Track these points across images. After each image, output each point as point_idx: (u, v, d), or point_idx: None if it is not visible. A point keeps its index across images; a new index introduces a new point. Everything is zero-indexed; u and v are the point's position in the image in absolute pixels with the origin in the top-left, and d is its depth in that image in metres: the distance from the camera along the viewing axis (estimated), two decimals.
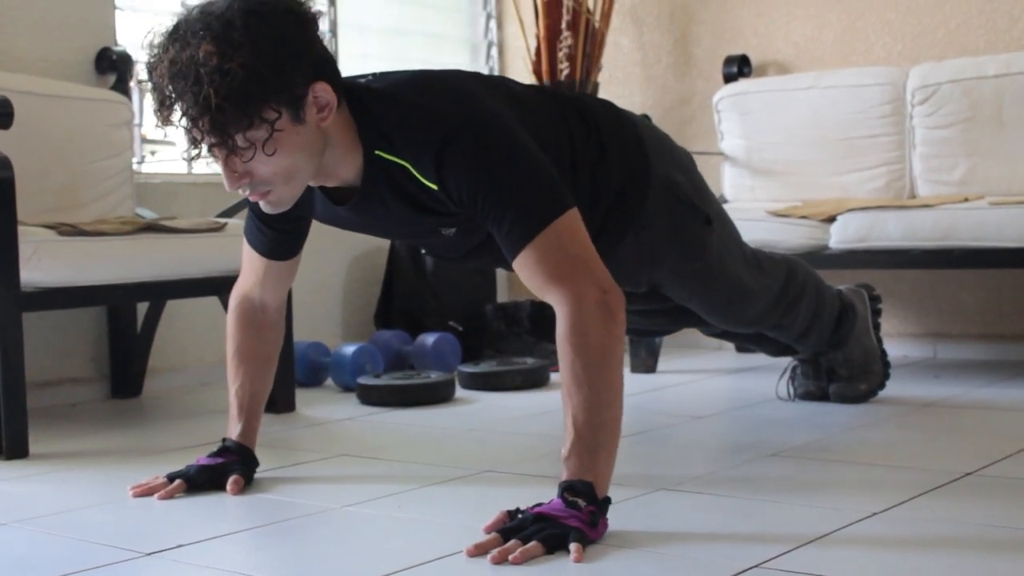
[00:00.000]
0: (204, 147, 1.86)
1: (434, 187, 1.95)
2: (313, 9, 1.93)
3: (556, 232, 1.89)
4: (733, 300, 2.61)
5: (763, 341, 2.93)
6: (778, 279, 2.67)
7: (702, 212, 2.39)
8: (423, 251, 2.51)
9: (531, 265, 1.90)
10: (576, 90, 4.39)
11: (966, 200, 3.52)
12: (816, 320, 2.83)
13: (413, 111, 1.95)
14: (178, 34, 1.83)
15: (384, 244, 4.43)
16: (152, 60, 1.86)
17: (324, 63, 1.91)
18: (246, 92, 1.80)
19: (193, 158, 1.89)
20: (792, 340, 2.89)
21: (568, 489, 1.82)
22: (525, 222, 1.89)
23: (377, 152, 1.97)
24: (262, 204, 2.00)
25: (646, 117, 4.11)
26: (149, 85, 1.87)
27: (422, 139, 1.93)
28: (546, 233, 1.89)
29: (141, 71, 1.91)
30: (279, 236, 2.26)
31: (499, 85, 2.13)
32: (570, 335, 1.87)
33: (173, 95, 1.82)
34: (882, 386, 3.07)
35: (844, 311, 2.94)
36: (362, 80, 2.05)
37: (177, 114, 1.84)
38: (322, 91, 1.89)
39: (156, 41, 1.87)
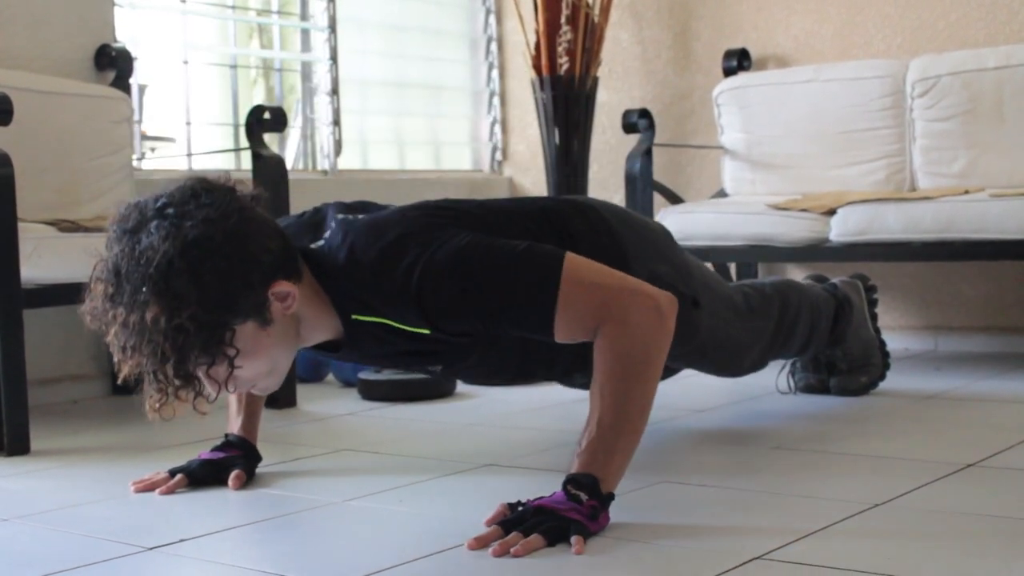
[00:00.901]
0: (171, 391, 1.81)
1: (425, 332, 1.93)
2: (247, 199, 1.85)
3: (569, 284, 1.86)
4: (730, 359, 2.62)
5: None
6: (772, 317, 2.66)
7: (688, 296, 2.32)
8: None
9: (570, 325, 1.87)
10: (576, 85, 4.40)
11: (966, 192, 3.52)
12: (814, 333, 2.84)
13: (378, 274, 1.90)
14: (121, 286, 1.76)
15: None
16: (103, 317, 1.80)
17: (276, 260, 1.85)
18: (201, 339, 1.76)
19: (162, 404, 1.82)
20: (792, 356, 2.91)
21: (571, 482, 1.82)
22: (538, 303, 1.86)
23: (354, 317, 1.95)
24: (252, 391, 1.99)
25: (646, 117, 4.12)
26: (106, 335, 1.81)
27: (399, 299, 1.89)
28: (562, 294, 1.85)
29: (95, 319, 1.81)
30: None
31: (448, 209, 2.04)
32: (614, 340, 1.85)
33: (132, 349, 1.77)
34: (882, 377, 3.07)
35: (840, 309, 2.93)
36: (314, 245, 1.98)
37: (140, 364, 1.78)
38: (280, 287, 1.85)
39: (101, 286, 1.80)
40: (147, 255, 1.74)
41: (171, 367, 1.76)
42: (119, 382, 1.84)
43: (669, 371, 2.62)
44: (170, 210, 1.78)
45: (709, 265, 4.18)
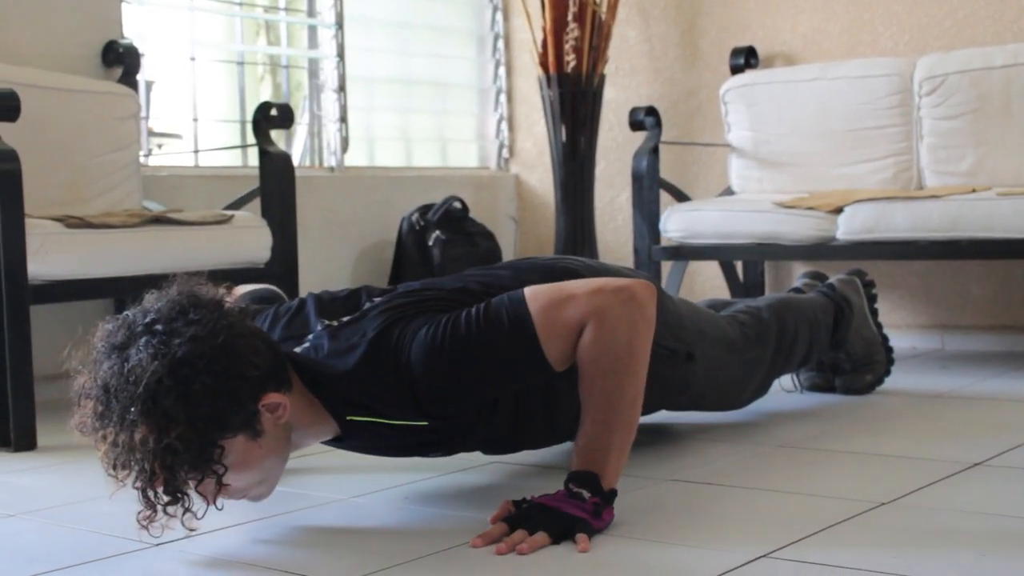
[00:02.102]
0: (159, 507, 1.77)
1: (423, 424, 1.93)
2: (236, 314, 1.84)
3: (541, 315, 1.84)
4: (727, 396, 2.62)
5: None
6: (769, 344, 2.65)
7: (681, 352, 2.32)
8: None
9: (560, 347, 1.86)
10: (583, 82, 4.39)
11: (974, 191, 3.51)
12: (813, 346, 2.84)
13: (364, 381, 1.88)
14: (110, 405, 1.74)
15: (392, 236, 4.44)
16: (92, 434, 1.78)
17: (265, 374, 1.82)
18: (190, 458, 1.74)
19: (151, 520, 1.77)
20: (793, 371, 2.92)
21: (573, 479, 1.82)
22: (521, 347, 1.85)
23: (350, 418, 1.94)
24: (245, 499, 1.98)
25: (653, 115, 4.11)
26: (97, 448, 1.79)
27: (395, 399, 1.88)
28: (539, 327, 1.84)
29: (85, 433, 1.79)
30: None
31: (409, 296, 2.02)
32: (597, 337, 1.85)
33: (121, 467, 1.75)
34: (887, 373, 3.06)
35: (839, 313, 2.93)
36: (299, 349, 1.96)
37: (130, 482, 1.76)
38: (271, 399, 1.82)
39: (89, 409, 1.78)
40: (136, 373, 1.72)
41: (159, 484, 1.75)
42: (110, 498, 1.80)
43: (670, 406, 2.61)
44: (158, 327, 1.76)
45: (713, 261, 4.18)
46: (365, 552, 1.79)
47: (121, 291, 3.12)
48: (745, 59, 4.33)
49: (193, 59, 4.11)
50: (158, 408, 1.70)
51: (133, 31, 3.82)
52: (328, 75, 4.47)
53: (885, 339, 3.08)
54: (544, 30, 4.47)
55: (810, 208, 3.62)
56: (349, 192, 4.42)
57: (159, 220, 3.06)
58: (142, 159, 3.73)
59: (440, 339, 1.84)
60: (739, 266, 4.27)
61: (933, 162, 3.88)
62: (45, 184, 3.21)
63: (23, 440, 2.64)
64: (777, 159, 4.15)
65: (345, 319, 1.97)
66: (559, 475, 1.88)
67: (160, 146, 4.40)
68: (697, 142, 4.52)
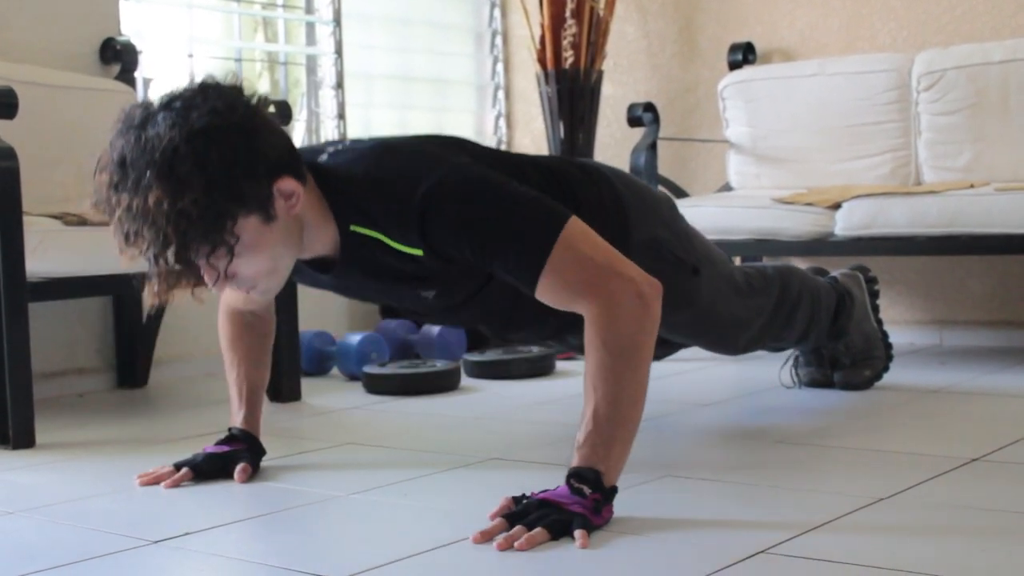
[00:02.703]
0: (171, 279, 1.81)
1: (419, 252, 1.93)
2: (256, 99, 1.88)
3: (565, 247, 1.86)
4: (726, 334, 2.61)
5: None
6: (771, 297, 2.65)
7: (688, 264, 2.34)
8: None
9: (554, 288, 1.88)
10: (581, 79, 4.39)
11: (972, 186, 3.51)
12: (813, 323, 2.83)
13: (384, 184, 1.92)
14: (126, 173, 1.78)
15: None
16: (107, 202, 1.81)
17: (281, 157, 1.87)
18: (204, 225, 1.77)
19: (165, 290, 1.82)
20: (791, 345, 2.90)
21: (575, 476, 1.82)
22: (531, 252, 1.87)
23: (352, 227, 1.96)
24: (253, 294, 1.99)
25: (651, 111, 4.11)
26: (110, 221, 1.82)
27: (400, 212, 1.90)
28: (555, 253, 1.86)
29: (100, 205, 1.84)
30: None
31: (462, 145, 2.09)
32: (601, 329, 1.85)
33: (134, 235, 1.79)
34: (886, 369, 3.07)
35: (841, 302, 2.93)
36: (323, 156, 2.02)
37: (142, 250, 1.80)
38: (285, 184, 1.86)
39: (106, 176, 1.81)
40: (152, 143, 1.76)
41: (172, 253, 1.77)
42: (118, 249, 1.82)
43: (664, 349, 2.62)
44: (177, 103, 1.81)
45: None
46: (364, 548, 1.79)
47: (120, 288, 3.13)
48: (743, 55, 4.33)
49: (191, 56, 4.11)
50: (174, 173, 1.75)
51: (131, 28, 3.81)
52: (326, 72, 4.47)
53: (885, 335, 3.08)
54: (542, 26, 4.47)
55: (808, 204, 3.62)
56: None
57: None
58: None
59: (479, 183, 1.88)
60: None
61: (931, 157, 3.88)
62: (43, 181, 3.21)
63: (22, 438, 2.64)
64: (775, 155, 4.15)
65: (376, 138, 2.04)
66: (560, 471, 1.88)
67: None
68: (695, 138, 4.52)
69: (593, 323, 1.86)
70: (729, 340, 2.64)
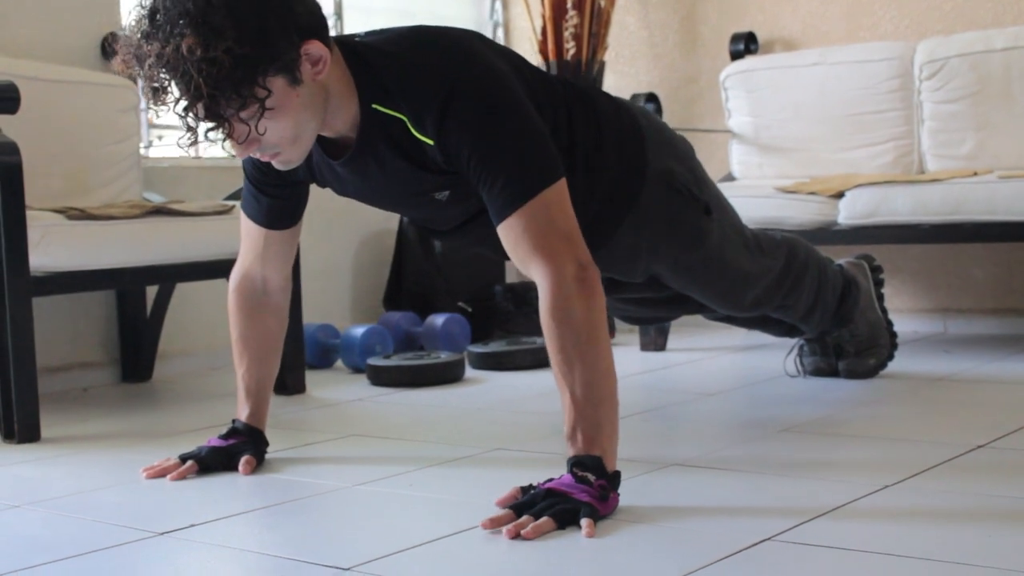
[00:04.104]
0: (201, 132, 1.83)
1: (430, 142, 1.94)
2: None
3: (545, 203, 1.89)
4: (734, 286, 2.59)
5: (767, 323, 2.92)
6: (779, 260, 2.65)
7: (701, 201, 2.36)
8: (414, 223, 2.47)
9: (517, 233, 1.89)
10: (582, 70, 4.39)
11: (975, 174, 3.50)
12: (819, 298, 2.82)
13: (415, 66, 1.94)
14: (157, 23, 1.78)
15: (393, 225, 4.43)
16: (137, 52, 1.81)
17: (311, 20, 1.88)
18: (236, 76, 1.77)
19: (192, 143, 1.84)
20: (797, 320, 2.88)
21: (577, 464, 1.82)
22: (516, 188, 1.89)
23: (374, 105, 1.96)
24: (274, 163, 1.99)
25: (653, 101, 4.11)
26: (139, 73, 1.82)
27: (425, 95, 1.91)
28: (535, 202, 1.88)
29: (128, 58, 1.82)
30: (277, 203, 2.23)
31: (504, 52, 2.10)
32: (554, 312, 1.86)
33: (163, 86, 1.80)
34: (891, 357, 3.06)
35: (847, 287, 2.93)
36: (360, 34, 2.04)
37: (170, 102, 1.80)
38: (313, 48, 1.86)
39: (136, 29, 1.82)
40: None
41: (203, 105, 1.78)
42: (147, 103, 1.83)
43: (670, 309, 2.63)
44: None
45: None
46: (369, 540, 1.79)
47: (123, 283, 3.13)
48: (745, 45, 4.32)
49: None
50: (207, 22, 1.75)
51: None
52: None
53: (890, 323, 3.08)
54: (543, 18, 4.46)
55: (811, 193, 3.61)
56: None
57: (160, 211, 3.06)
58: (142, 151, 3.73)
59: (505, 98, 1.91)
60: None
61: (934, 146, 3.87)
62: (46, 176, 3.21)
63: (27, 431, 2.64)
64: (778, 144, 4.15)
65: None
66: (564, 461, 1.88)
67: (160, 138, 4.40)
68: (698, 128, 4.51)
69: (545, 300, 1.87)
70: (736, 294, 2.61)
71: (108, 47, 3.63)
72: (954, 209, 3.36)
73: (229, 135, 1.84)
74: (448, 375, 3.31)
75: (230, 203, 3.26)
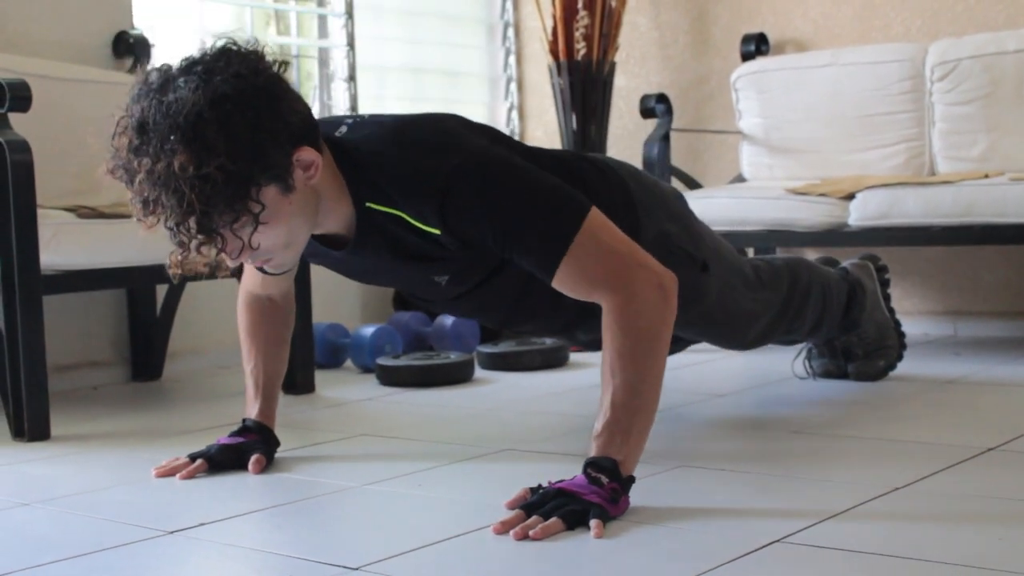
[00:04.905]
0: (193, 246, 1.78)
1: (436, 232, 1.92)
2: (278, 64, 1.86)
3: (586, 238, 1.87)
4: (737, 328, 2.60)
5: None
6: (781, 291, 2.64)
7: (698, 259, 2.32)
8: (402, 292, 2.45)
9: (573, 277, 1.88)
10: (593, 70, 4.39)
11: (986, 176, 3.50)
12: (824, 316, 2.82)
13: (404, 164, 1.90)
14: (147, 137, 1.74)
15: None
16: (127, 166, 1.78)
17: (302, 126, 1.85)
18: (228, 192, 1.74)
19: (184, 258, 1.80)
20: (803, 338, 2.89)
21: (592, 465, 1.82)
22: (551, 243, 1.86)
23: (368, 204, 1.94)
24: (266, 268, 1.97)
25: (664, 102, 4.11)
26: (129, 187, 1.79)
27: (422, 193, 1.88)
28: (577, 242, 1.86)
29: (118, 171, 1.80)
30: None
31: (483, 128, 2.07)
32: (621, 317, 1.85)
33: (154, 202, 1.75)
34: (900, 358, 3.06)
35: (852, 293, 2.92)
36: (341, 130, 1.99)
37: (162, 219, 1.76)
38: (305, 154, 1.83)
39: (125, 140, 1.78)
40: (176, 106, 1.72)
41: (194, 221, 1.74)
42: (136, 218, 1.79)
43: (675, 344, 2.61)
44: (198, 67, 1.77)
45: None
46: (378, 539, 1.79)
47: (133, 281, 3.13)
48: (756, 46, 4.32)
49: None
50: (198, 138, 1.71)
51: (143, 21, 3.82)
52: (338, 64, 4.47)
53: (897, 324, 3.07)
54: (554, 18, 4.46)
55: (822, 194, 3.61)
56: None
57: None
58: None
59: (504, 165, 1.87)
60: (751, 253, 4.25)
61: (945, 148, 3.86)
62: (57, 175, 3.21)
63: (37, 430, 2.64)
64: (788, 146, 4.14)
65: (394, 115, 2.01)
66: (573, 462, 1.88)
67: None
68: (708, 129, 4.51)
69: (613, 312, 1.86)
70: (738, 335, 2.63)
71: (120, 45, 3.64)
72: (965, 211, 3.35)
73: (222, 249, 1.80)
74: (458, 375, 3.31)
75: None
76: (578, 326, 2.31)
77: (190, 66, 1.78)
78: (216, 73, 1.76)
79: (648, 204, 2.27)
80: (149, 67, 1.85)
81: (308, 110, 1.89)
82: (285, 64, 1.89)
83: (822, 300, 2.78)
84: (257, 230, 1.80)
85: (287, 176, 1.81)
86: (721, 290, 2.42)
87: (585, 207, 1.89)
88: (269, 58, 1.86)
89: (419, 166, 1.89)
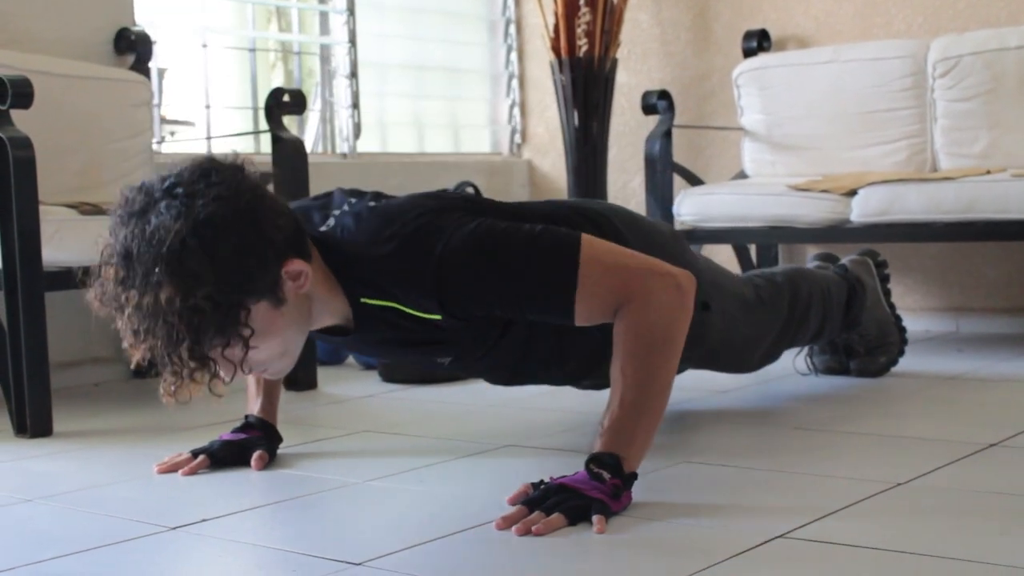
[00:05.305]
0: (186, 374, 1.76)
1: (436, 318, 1.91)
2: (256, 178, 1.82)
3: (588, 269, 1.85)
4: (742, 357, 2.61)
5: None
6: (782, 309, 2.64)
7: (698, 301, 2.31)
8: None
9: (591, 309, 1.87)
10: (595, 67, 4.38)
11: (988, 172, 3.50)
12: (826, 322, 2.83)
13: (391, 261, 1.87)
14: (132, 269, 1.72)
15: None
16: (115, 298, 1.76)
17: (288, 238, 1.82)
18: (217, 319, 1.72)
19: (176, 388, 1.77)
20: (805, 344, 2.90)
21: (594, 461, 1.82)
22: (558, 287, 1.85)
23: (363, 300, 1.92)
24: (264, 375, 1.95)
25: (665, 99, 4.10)
26: (118, 318, 1.76)
27: (414, 285, 1.86)
28: (581, 278, 1.84)
29: (107, 302, 1.77)
30: None
31: (454, 195, 2.04)
32: (635, 320, 1.85)
33: (144, 334, 1.74)
34: (902, 353, 3.06)
35: (852, 292, 2.92)
36: (329, 222, 1.96)
37: (153, 348, 1.74)
38: (293, 266, 1.81)
39: (110, 269, 1.76)
40: (159, 235, 1.70)
41: (186, 349, 1.72)
42: (132, 367, 1.81)
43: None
44: (179, 190, 1.74)
45: (726, 245, 4.18)
46: (381, 535, 1.79)
47: None
48: (758, 42, 4.31)
49: (205, 46, 4.11)
50: (184, 268, 1.68)
51: (145, 18, 3.82)
52: (340, 61, 4.47)
53: (898, 319, 3.07)
54: (556, 14, 4.46)
55: (824, 191, 3.61)
56: (362, 178, 4.40)
57: None
58: (155, 146, 3.74)
59: (486, 236, 1.83)
60: (753, 250, 4.26)
61: (947, 144, 3.86)
62: (59, 171, 3.22)
63: (39, 426, 2.64)
64: (790, 142, 4.14)
65: (375, 203, 1.96)
66: (575, 458, 1.88)
67: (173, 133, 4.41)
68: (710, 126, 4.51)
69: (627, 316, 1.86)
70: (744, 361, 2.65)
71: (122, 42, 3.64)
72: (967, 207, 3.35)
73: (215, 375, 1.78)
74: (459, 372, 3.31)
75: None
76: (584, 375, 2.29)
77: (171, 188, 1.74)
78: (197, 197, 1.72)
79: (643, 250, 2.22)
80: (130, 188, 1.79)
81: (292, 219, 1.86)
82: (265, 176, 1.87)
83: (822, 308, 2.78)
84: (250, 347, 1.78)
85: (277, 291, 1.79)
86: (724, 325, 2.42)
87: (575, 241, 1.87)
88: (249, 169, 1.83)
89: (406, 263, 1.86)
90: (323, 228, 1.96)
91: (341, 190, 2.08)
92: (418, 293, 1.87)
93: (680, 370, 2.59)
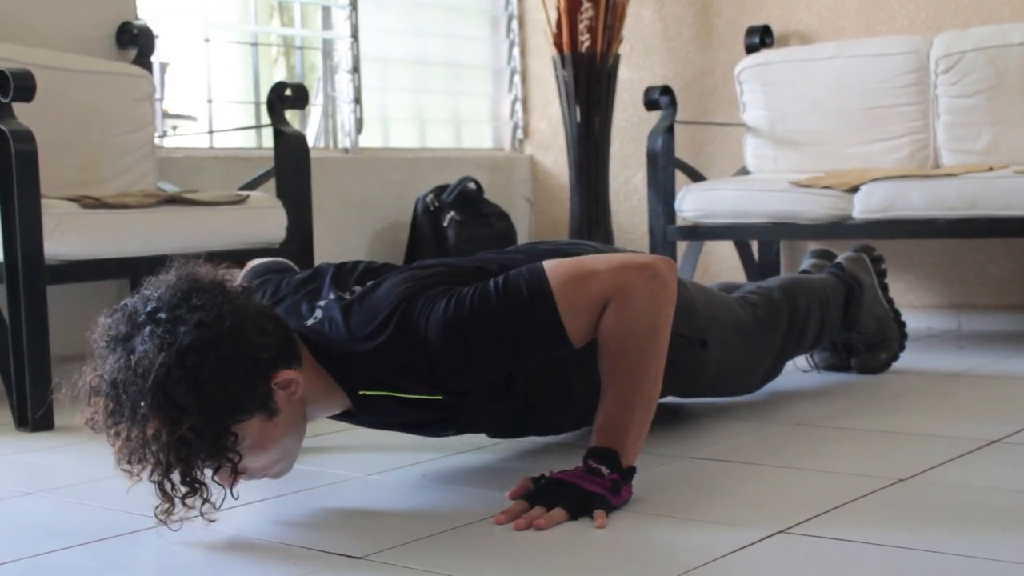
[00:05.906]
0: (178, 499, 1.73)
1: (438, 398, 1.90)
2: (239, 294, 1.79)
3: (563, 293, 1.83)
4: (742, 381, 2.62)
5: None
6: (780, 327, 2.65)
7: (695, 340, 2.31)
8: None
9: (582, 327, 1.85)
10: (597, 62, 4.38)
11: (991, 169, 3.49)
12: (824, 329, 2.83)
13: (381, 353, 1.85)
14: (120, 401, 1.69)
15: (406, 218, 4.44)
16: (106, 428, 1.74)
17: (275, 352, 1.78)
18: (204, 446, 1.70)
19: (168, 512, 1.73)
20: (804, 353, 2.91)
21: (592, 455, 1.82)
22: (544, 326, 1.83)
23: (362, 392, 1.91)
24: (265, 478, 1.95)
25: (668, 95, 4.10)
26: (111, 444, 1.75)
27: (407, 371, 1.85)
28: (560, 304, 1.82)
29: (97, 428, 1.75)
30: None
31: (433, 273, 1.98)
32: (618, 316, 1.84)
33: (136, 461, 1.72)
34: (902, 348, 3.05)
35: (849, 293, 2.91)
36: (311, 321, 1.93)
37: (146, 474, 1.73)
38: (283, 376, 1.78)
39: (99, 406, 1.73)
40: (143, 365, 1.68)
41: (177, 476, 1.72)
42: (120, 466, 1.76)
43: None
44: (161, 315, 1.71)
45: (728, 241, 4.17)
46: (382, 529, 1.79)
47: (137, 271, 3.12)
48: (760, 38, 4.31)
49: (207, 40, 4.11)
50: (168, 400, 1.66)
51: (147, 12, 3.82)
52: (342, 56, 4.47)
53: (897, 314, 3.07)
54: (558, 10, 4.46)
55: (826, 187, 3.61)
56: (364, 173, 4.42)
57: (174, 200, 3.06)
58: (157, 141, 3.74)
59: (458, 311, 1.82)
60: (755, 246, 4.26)
61: (950, 140, 3.86)
62: (61, 165, 3.22)
63: (41, 420, 2.64)
64: (793, 138, 4.13)
65: (358, 291, 1.95)
66: (576, 452, 1.88)
67: (175, 128, 4.41)
68: (712, 121, 4.50)
69: (610, 313, 1.85)
70: (744, 385, 2.65)
71: (124, 37, 3.64)
72: (970, 204, 3.35)
73: (207, 500, 1.75)
74: None
75: (244, 193, 3.26)
76: (582, 422, 2.27)
77: (154, 312, 1.72)
78: (180, 323, 1.70)
79: None
80: (111, 310, 1.77)
81: (279, 328, 1.82)
82: (248, 291, 1.83)
83: (820, 316, 2.79)
84: (244, 460, 1.76)
85: (269, 403, 1.76)
86: (722, 357, 2.42)
87: (539, 271, 1.85)
88: (230, 285, 1.80)
89: (397, 356, 1.85)
90: (310, 322, 1.93)
91: (328, 267, 2.04)
92: (415, 380, 1.87)
93: (683, 397, 2.60)
